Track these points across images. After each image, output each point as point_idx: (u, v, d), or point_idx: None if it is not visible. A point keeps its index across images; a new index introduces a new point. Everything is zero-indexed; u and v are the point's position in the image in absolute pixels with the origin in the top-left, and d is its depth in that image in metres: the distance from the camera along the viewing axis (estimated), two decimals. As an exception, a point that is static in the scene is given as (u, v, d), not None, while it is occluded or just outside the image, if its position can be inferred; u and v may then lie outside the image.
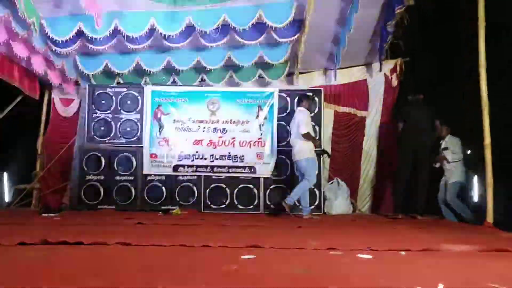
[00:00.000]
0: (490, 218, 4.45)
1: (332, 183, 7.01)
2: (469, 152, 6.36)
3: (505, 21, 5.24)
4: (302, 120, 5.89)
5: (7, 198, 10.19)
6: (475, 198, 6.51)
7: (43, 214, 5.83)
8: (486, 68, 4.71)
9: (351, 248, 2.87)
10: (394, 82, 7.33)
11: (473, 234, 3.97)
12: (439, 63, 6.69)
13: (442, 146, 6.33)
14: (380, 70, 7.27)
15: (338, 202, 6.73)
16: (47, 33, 5.88)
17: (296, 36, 6.17)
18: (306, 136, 5.82)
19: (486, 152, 4.50)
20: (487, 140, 4.50)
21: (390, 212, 6.59)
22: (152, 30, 5.96)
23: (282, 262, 2.52)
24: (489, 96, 4.69)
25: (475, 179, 6.49)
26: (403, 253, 2.80)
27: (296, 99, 6.48)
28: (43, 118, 8.20)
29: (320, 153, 6.67)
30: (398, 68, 7.23)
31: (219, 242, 2.97)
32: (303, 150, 5.86)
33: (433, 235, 3.92)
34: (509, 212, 4.93)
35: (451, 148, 6.19)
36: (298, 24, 6.00)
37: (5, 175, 10.34)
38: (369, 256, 2.63)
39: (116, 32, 5.96)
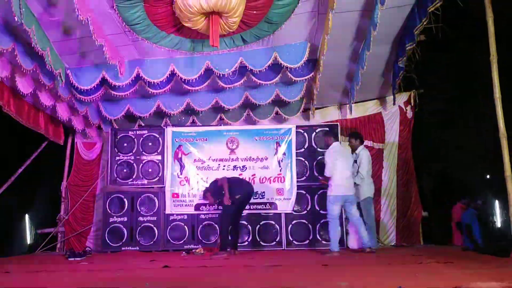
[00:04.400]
0: (517, 249, 4.40)
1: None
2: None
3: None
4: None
5: (29, 241, 10.30)
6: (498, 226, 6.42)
7: (70, 259, 5.92)
8: (501, 99, 4.71)
9: (382, 289, 2.89)
10: (409, 114, 7.42)
11: (500, 268, 3.92)
12: (454, 94, 6.77)
13: (353, 159, 6.09)
14: (394, 104, 7.34)
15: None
16: (72, 83, 6.16)
17: (310, 75, 6.36)
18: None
19: (508, 183, 4.45)
20: (508, 172, 4.46)
21: (418, 243, 6.48)
22: (172, 75, 6.20)
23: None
24: (506, 127, 4.68)
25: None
26: (434, 292, 2.81)
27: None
28: (67, 162, 8.39)
29: None
30: (412, 100, 7.34)
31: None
32: None
33: (460, 270, 3.87)
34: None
35: (362, 162, 6.07)
36: (312, 63, 6.21)
37: (27, 218, 10.49)
38: (401, 297, 2.65)
39: (137, 78, 6.24)
